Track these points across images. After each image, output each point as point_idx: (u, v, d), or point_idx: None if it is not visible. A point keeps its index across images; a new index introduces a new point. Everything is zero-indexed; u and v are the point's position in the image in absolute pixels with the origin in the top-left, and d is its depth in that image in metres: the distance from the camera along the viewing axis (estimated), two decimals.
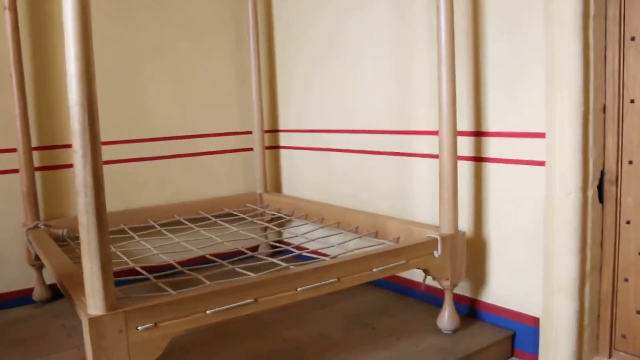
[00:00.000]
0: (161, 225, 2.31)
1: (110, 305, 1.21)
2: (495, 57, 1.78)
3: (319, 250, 1.91)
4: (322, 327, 1.89)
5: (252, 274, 1.53)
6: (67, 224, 2.20)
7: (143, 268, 1.77)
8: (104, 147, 2.23)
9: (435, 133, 1.80)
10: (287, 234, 2.69)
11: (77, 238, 2.14)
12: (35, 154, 2.17)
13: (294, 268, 1.51)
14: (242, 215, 2.45)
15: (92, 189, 1.16)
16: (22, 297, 2.14)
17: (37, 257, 2.07)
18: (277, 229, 2.39)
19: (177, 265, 1.78)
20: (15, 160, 2.10)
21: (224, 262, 1.76)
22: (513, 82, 1.75)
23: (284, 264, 1.63)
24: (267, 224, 2.38)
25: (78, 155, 1.16)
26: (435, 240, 1.71)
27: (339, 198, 2.40)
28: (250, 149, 2.69)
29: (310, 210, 2.35)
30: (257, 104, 2.62)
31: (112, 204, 2.33)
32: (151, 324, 1.25)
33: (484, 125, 1.83)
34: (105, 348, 1.20)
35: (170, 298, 1.29)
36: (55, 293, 2.18)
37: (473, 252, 1.89)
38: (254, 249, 2.49)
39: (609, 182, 1.67)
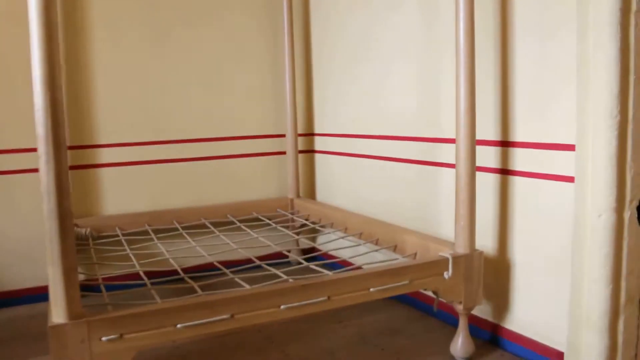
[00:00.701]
0: (185, 228, 2.29)
1: (73, 314, 1.18)
2: (525, 61, 1.60)
3: (343, 260, 1.81)
4: (330, 344, 1.79)
5: (247, 286, 1.47)
6: (94, 223, 2.24)
7: (146, 273, 1.75)
8: (135, 148, 2.30)
9: None
10: (306, 242, 2.62)
11: (101, 237, 2.19)
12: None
13: (292, 282, 1.43)
14: (267, 221, 2.39)
15: (55, 195, 1.14)
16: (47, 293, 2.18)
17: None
18: (296, 237, 2.30)
19: (180, 272, 1.74)
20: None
21: (227, 271, 1.71)
22: (543, 87, 1.56)
23: (285, 277, 1.56)
24: (287, 231, 2.30)
25: (42, 160, 1.14)
26: (447, 259, 1.56)
27: (369, 206, 2.28)
28: (283, 153, 2.63)
29: (335, 218, 2.26)
30: (290, 106, 2.56)
31: (140, 205, 2.36)
32: (116, 336, 1.21)
33: (511, 134, 1.66)
34: (67, 358, 1.18)
35: (137, 310, 1.25)
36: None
37: (497, 274, 1.72)
38: (273, 256, 2.41)
39: None
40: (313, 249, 2.63)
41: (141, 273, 1.72)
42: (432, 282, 1.56)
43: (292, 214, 2.55)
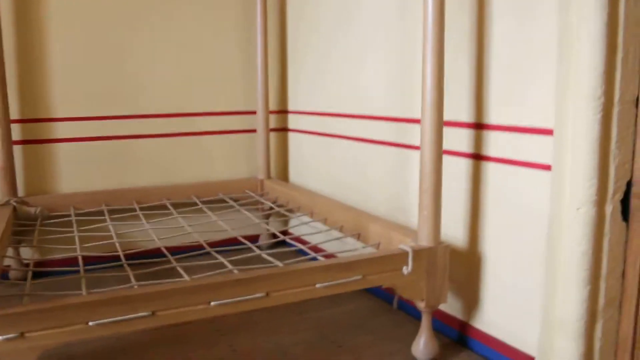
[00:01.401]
0: (145, 208, 2.15)
1: None
2: (501, 38, 1.43)
3: (314, 246, 1.67)
4: (284, 339, 1.66)
5: (187, 277, 1.33)
6: (47, 202, 2.11)
7: (88, 258, 1.62)
8: (96, 123, 2.15)
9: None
10: (274, 227, 2.48)
11: (51, 217, 2.05)
12: (16, 127, 2.08)
13: (236, 273, 1.29)
14: (231, 203, 2.25)
15: None
16: None
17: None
18: (264, 220, 2.15)
19: (122, 257, 1.60)
20: None
21: (171, 258, 1.57)
22: (521, 65, 1.39)
23: (230, 267, 1.41)
24: (250, 214, 2.15)
25: None
26: (406, 253, 1.41)
27: (341, 189, 2.13)
28: (254, 131, 2.47)
29: (302, 202, 2.11)
30: (262, 81, 2.39)
31: (101, 184, 2.22)
32: (16, 334, 1.08)
33: (485, 116, 1.49)
34: None
35: (42, 305, 1.11)
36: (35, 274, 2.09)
37: (467, 268, 1.57)
38: (233, 240, 2.24)
39: (637, 195, 1.29)
40: (285, 233, 2.49)
41: (79, 258, 1.59)
42: (389, 277, 1.40)
43: (261, 195, 2.40)
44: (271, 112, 2.48)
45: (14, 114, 2.07)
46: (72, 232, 1.87)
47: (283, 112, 2.54)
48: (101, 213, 2.08)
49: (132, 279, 1.38)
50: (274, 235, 2.45)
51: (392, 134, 1.84)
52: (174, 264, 1.53)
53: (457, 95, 1.56)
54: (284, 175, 2.58)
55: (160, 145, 2.31)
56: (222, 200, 2.28)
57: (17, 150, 2.09)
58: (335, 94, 2.15)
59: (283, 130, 2.55)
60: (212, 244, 1.72)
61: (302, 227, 2.08)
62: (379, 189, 1.93)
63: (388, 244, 1.59)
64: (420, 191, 1.44)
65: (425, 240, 1.44)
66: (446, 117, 1.53)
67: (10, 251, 2.00)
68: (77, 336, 1.12)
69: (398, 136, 1.81)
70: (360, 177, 2.03)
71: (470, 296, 1.58)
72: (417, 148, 1.71)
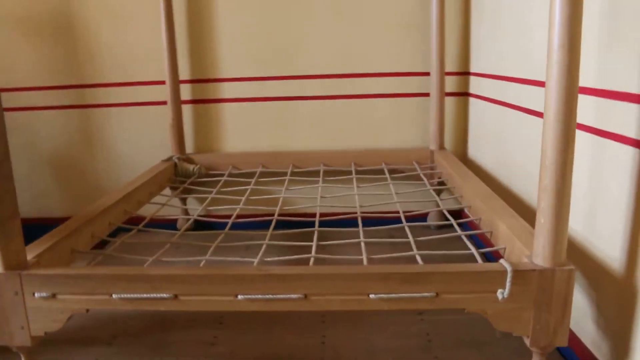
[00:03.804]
0: (300, 173, 2.09)
1: (10, 264, 1.10)
2: None
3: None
4: (381, 342, 1.42)
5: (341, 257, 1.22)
6: (208, 160, 2.19)
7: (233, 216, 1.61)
8: (259, 83, 2.14)
9: None
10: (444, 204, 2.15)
11: (209, 175, 2.13)
12: (186, 87, 2.19)
13: (272, 268, 1.13)
14: (371, 176, 2.02)
15: None
16: (168, 224, 2.21)
17: (183, 190, 2.09)
18: (435, 197, 1.88)
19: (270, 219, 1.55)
20: (164, 93, 2.14)
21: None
22: None
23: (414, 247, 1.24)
24: (417, 189, 1.88)
25: None
26: (503, 272, 1.04)
27: (519, 178, 1.70)
28: (427, 94, 2.16)
29: (456, 182, 1.77)
30: (436, 35, 2.05)
31: (260, 145, 2.22)
32: (48, 294, 1.10)
33: None
34: (3, 307, 1.11)
35: (69, 271, 1.11)
36: (199, 225, 2.22)
37: (620, 299, 1.11)
38: (390, 216, 1.99)
39: None
40: (458, 214, 2.16)
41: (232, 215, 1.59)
42: (476, 300, 1.06)
43: (431, 169, 2.11)
44: (449, 74, 2.14)
45: (184, 74, 2.17)
46: (224, 190, 1.91)
47: (464, 73, 2.17)
48: (255, 175, 2.07)
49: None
50: (444, 216, 2.17)
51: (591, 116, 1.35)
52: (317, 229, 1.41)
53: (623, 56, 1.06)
54: (461, 148, 2.23)
55: (321, 108, 2.20)
56: (384, 171, 2.06)
57: (186, 109, 2.20)
58: (538, 58, 1.61)
59: (463, 94, 2.19)
60: (372, 217, 1.58)
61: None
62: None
63: (510, 252, 1.21)
64: (539, 188, 1.03)
65: (540, 259, 1.04)
66: (602, 84, 1.06)
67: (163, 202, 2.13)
68: (101, 306, 1.10)
69: (598, 119, 1.32)
70: (532, 160, 1.59)
71: (619, 339, 1.11)
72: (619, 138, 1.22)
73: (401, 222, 1.49)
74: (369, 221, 1.59)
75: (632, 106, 1.05)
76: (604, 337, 1.18)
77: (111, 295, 1.09)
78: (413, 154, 2.16)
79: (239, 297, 1.07)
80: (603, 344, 1.18)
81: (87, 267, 1.14)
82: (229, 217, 1.64)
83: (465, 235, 1.38)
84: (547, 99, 0.99)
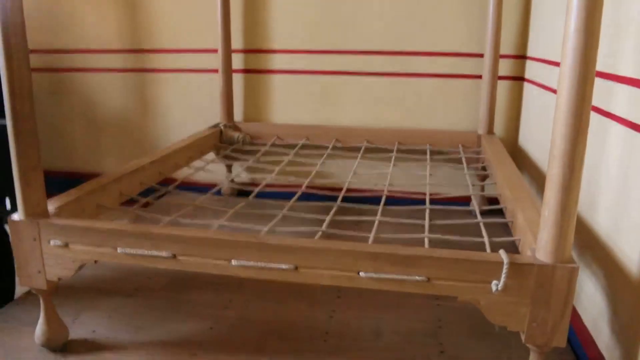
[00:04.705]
0: (343, 148, 2.09)
1: (32, 212, 1.18)
2: None
3: None
4: (391, 323, 1.40)
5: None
6: (254, 129, 2.23)
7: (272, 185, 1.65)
8: (309, 56, 2.13)
9: None
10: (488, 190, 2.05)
11: (253, 144, 2.17)
12: (239, 56, 2.22)
13: (264, 236, 1.14)
14: (412, 156, 1.97)
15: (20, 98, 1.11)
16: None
17: (224, 157, 2.14)
18: (479, 182, 1.82)
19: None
20: (217, 61, 2.18)
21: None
22: None
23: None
24: (460, 173, 1.83)
25: None
26: (499, 263, 0.99)
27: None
28: (479, 77, 2.07)
29: (494, 171, 1.70)
30: (493, 15, 1.95)
31: (306, 118, 2.22)
32: (61, 242, 1.17)
33: None
34: (24, 252, 1.20)
35: (80, 223, 1.17)
36: (240, 192, 2.28)
37: (637, 302, 1.03)
38: (432, 198, 1.92)
39: None
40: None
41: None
42: (468, 289, 1.02)
43: (478, 153, 2.04)
44: (504, 57, 2.04)
45: (237, 44, 2.20)
46: (263, 159, 1.95)
47: (520, 57, 2.05)
48: (296, 147, 2.09)
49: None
50: (488, 201, 2.11)
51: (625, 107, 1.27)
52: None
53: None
54: (512, 135, 2.13)
55: (369, 84, 2.16)
56: (426, 152, 2.02)
57: (237, 78, 2.24)
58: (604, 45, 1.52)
59: (517, 79, 2.08)
60: (399, 197, 1.58)
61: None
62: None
63: (523, 244, 1.16)
64: (546, 179, 0.97)
65: (542, 253, 0.98)
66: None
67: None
68: (107, 258, 1.16)
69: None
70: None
71: (632, 346, 1.04)
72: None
73: (432, 204, 1.45)
74: (395, 200, 1.56)
75: None
76: (616, 344, 1.11)
77: (116, 249, 1.14)
78: (459, 137, 2.09)
79: (233, 262, 1.10)
80: (615, 351, 1.11)
81: (95, 221, 1.20)
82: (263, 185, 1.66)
83: (485, 224, 1.32)
84: (559, 86, 0.92)
